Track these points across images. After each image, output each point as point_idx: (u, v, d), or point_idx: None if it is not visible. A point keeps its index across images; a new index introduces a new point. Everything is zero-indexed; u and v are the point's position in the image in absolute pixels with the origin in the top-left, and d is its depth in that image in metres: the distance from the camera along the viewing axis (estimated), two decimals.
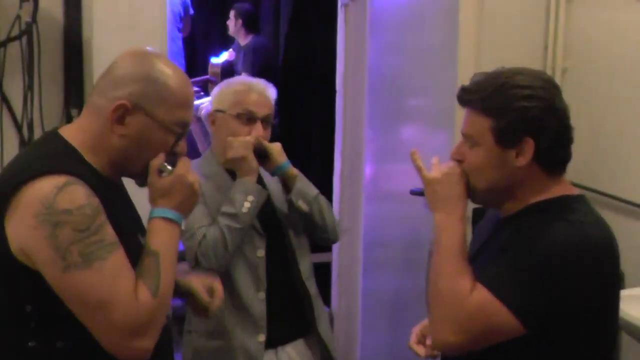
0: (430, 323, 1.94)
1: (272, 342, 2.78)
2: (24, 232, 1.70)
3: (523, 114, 1.88)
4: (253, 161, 2.70)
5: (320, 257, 4.04)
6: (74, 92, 3.17)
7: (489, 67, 2.01)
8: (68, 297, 1.71)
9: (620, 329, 2.59)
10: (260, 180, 2.79)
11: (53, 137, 1.89)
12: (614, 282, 1.96)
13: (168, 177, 1.87)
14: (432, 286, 1.92)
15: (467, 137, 1.97)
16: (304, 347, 2.89)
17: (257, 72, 5.94)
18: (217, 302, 2.19)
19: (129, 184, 1.99)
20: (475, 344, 1.85)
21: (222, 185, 2.75)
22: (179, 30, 6.83)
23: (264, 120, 2.76)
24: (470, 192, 1.98)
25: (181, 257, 2.12)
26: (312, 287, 2.87)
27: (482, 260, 1.93)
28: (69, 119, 3.13)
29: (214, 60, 7.14)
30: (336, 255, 4.57)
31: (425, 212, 2.04)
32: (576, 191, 1.99)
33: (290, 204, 2.78)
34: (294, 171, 2.79)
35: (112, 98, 1.82)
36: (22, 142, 3.10)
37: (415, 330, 2.30)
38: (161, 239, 1.83)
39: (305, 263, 2.85)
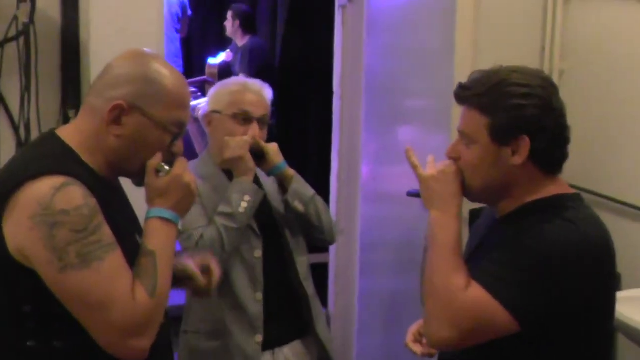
0: (424, 319, 1.95)
1: (269, 343, 2.77)
2: (22, 232, 1.70)
3: (520, 112, 1.88)
4: (250, 161, 2.70)
5: (317, 258, 4.03)
6: (71, 93, 3.17)
7: (486, 68, 2.01)
8: (66, 298, 1.72)
9: (617, 330, 2.59)
10: (257, 181, 2.78)
11: (50, 138, 1.89)
12: (612, 281, 1.97)
13: (165, 177, 1.87)
14: (427, 283, 1.92)
15: (463, 135, 1.97)
16: (302, 349, 2.88)
17: (254, 73, 5.95)
18: (216, 281, 2.17)
19: (126, 184, 1.99)
20: (469, 340, 1.86)
21: (219, 185, 2.75)
22: (177, 31, 6.84)
23: (260, 121, 2.76)
24: (466, 190, 1.98)
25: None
26: (309, 287, 2.87)
27: (478, 259, 1.93)
28: (66, 120, 3.13)
29: (211, 61, 7.15)
30: (333, 256, 4.57)
31: (422, 214, 2.04)
32: (572, 191, 1.99)
33: (287, 204, 2.78)
34: (290, 172, 2.79)
35: (108, 98, 1.83)
36: (19, 143, 3.10)
37: (412, 329, 2.30)
38: (158, 239, 1.83)
39: (303, 263, 2.85)
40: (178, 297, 2.75)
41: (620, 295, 2.04)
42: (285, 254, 2.83)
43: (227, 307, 2.72)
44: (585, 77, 3.52)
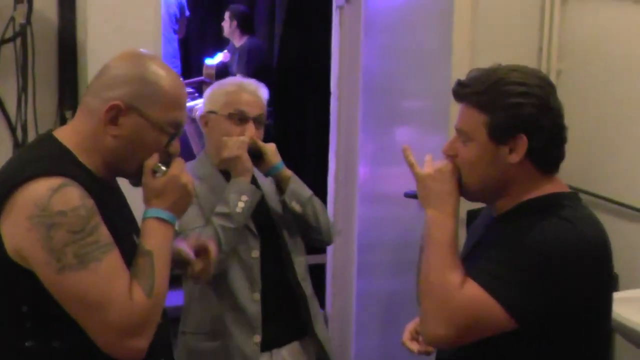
0: (421, 317, 1.95)
1: (268, 344, 2.77)
2: (19, 233, 1.71)
3: (517, 110, 1.88)
4: (247, 161, 2.70)
5: (314, 259, 4.04)
6: (68, 94, 3.16)
7: None
8: (63, 298, 1.73)
9: (615, 331, 2.59)
10: (254, 181, 2.78)
11: (47, 139, 1.90)
12: (610, 280, 1.98)
13: (162, 178, 1.88)
14: (423, 281, 1.93)
15: (461, 133, 1.97)
16: (300, 350, 2.88)
17: (251, 74, 5.94)
18: (213, 261, 2.15)
19: (124, 184, 2.00)
20: (465, 338, 1.86)
21: (216, 186, 2.75)
22: (175, 31, 6.83)
23: (256, 120, 2.76)
24: (463, 188, 1.98)
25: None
26: (307, 287, 2.87)
27: (475, 258, 1.94)
28: (63, 121, 3.12)
29: (209, 61, 7.14)
30: (330, 257, 4.57)
31: (419, 214, 2.04)
32: (568, 190, 2.00)
33: (284, 205, 2.78)
34: (288, 172, 2.79)
35: (105, 99, 1.83)
36: (16, 144, 3.09)
37: (409, 327, 2.31)
38: (155, 239, 1.84)
39: (301, 264, 2.85)
40: (176, 298, 2.75)
41: (617, 295, 2.05)
42: (283, 254, 2.83)
43: (225, 308, 2.72)
44: (582, 77, 3.52)
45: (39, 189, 1.70)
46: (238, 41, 6.91)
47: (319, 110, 5.38)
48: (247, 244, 2.73)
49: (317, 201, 2.83)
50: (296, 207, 2.76)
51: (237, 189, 2.66)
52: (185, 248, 2.09)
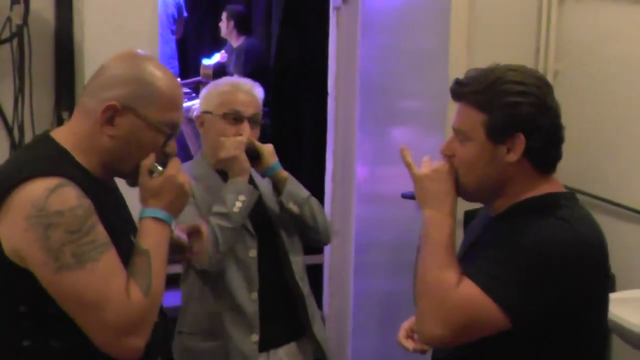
0: (417, 317, 1.95)
1: (265, 344, 2.77)
2: (17, 234, 1.72)
3: (515, 109, 1.88)
4: (245, 161, 2.70)
5: (311, 259, 4.03)
6: (65, 95, 3.16)
7: None
8: (61, 298, 1.74)
9: (612, 331, 2.59)
10: (252, 181, 2.79)
11: (44, 140, 1.90)
12: (606, 281, 1.98)
13: (158, 178, 1.89)
14: (419, 280, 1.93)
15: (458, 132, 1.97)
16: (297, 351, 2.88)
17: (248, 74, 5.92)
18: (205, 241, 2.16)
19: (122, 184, 2.00)
20: (461, 338, 1.86)
21: (213, 186, 2.75)
22: (172, 32, 6.83)
23: (252, 120, 2.75)
24: (460, 188, 1.98)
25: (173, 260, 2.10)
26: (305, 287, 2.87)
27: (472, 257, 1.93)
28: (59, 122, 3.12)
29: (206, 61, 7.14)
30: (327, 257, 4.57)
31: (417, 215, 2.03)
32: (565, 189, 2.00)
33: (281, 205, 2.78)
34: (284, 173, 2.78)
35: (102, 99, 1.84)
36: (13, 145, 3.09)
37: (404, 326, 2.30)
38: (152, 239, 1.84)
39: (298, 263, 2.85)
40: (173, 298, 2.75)
41: (614, 296, 2.05)
42: (280, 253, 2.83)
43: (222, 308, 2.72)
44: (579, 78, 3.52)
45: (36, 189, 1.71)
46: (235, 41, 6.91)
47: (316, 110, 5.37)
48: (244, 243, 2.73)
49: (314, 201, 2.83)
50: (293, 208, 2.76)
51: (235, 188, 2.66)
52: (179, 233, 2.09)
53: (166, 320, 2.04)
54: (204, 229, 2.17)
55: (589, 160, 3.42)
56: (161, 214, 1.87)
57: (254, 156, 2.74)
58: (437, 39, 3.59)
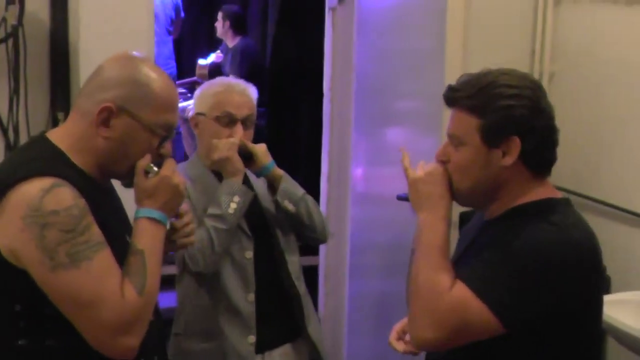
0: (409, 319, 1.95)
1: (262, 345, 2.77)
2: (12, 234, 1.73)
3: (509, 112, 1.88)
4: (238, 162, 2.70)
5: (307, 260, 4.02)
6: (60, 96, 3.16)
7: (476, 70, 2.01)
8: (56, 297, 1.75)
9: (607, 333, 2.59)
10: (247, 182, 2.78)
11: (40, 141, 1.91)
12: (600, 284, 1.98)
13: (154, 178, 1.90)
14: (412, 283, 1.92)
15: (453, 138, 1.97)
16: (292, 352, 2.88)
17: (244, 74, 5.94)
18: (190, 220, 2.10)
19: (117, 186, 2.01)
20: (453, 341, 1.86)
21: (209, 187, 2.75)
22: (169, 32, 6.82)
23: (245, 121, 2.75)
24: (455, 192, 1.98)
25: (169, 261, 2.10)
26: (301, 287, 2.87)
27: (466, 260, 1.94)
28: (55, 123, 3.12)
29: (202, 61, 7.14)
30: (323, 258, 4.57)
31: (412, 217, 2.03)
32: (560, 194, 2.00)
33: (277, 204, 2.78)
34: (279, 172, 2.79)
35: (97, 101, 1.85)
36: (8, 146, 3.09)
37: (396, 327, 2.31)
38: (146, 239, 1.86)
39: (294, 263, 2.85)
40: (169, 300, 2.75)
41: (609, 298, 2.05)
42: (276, 253, 2.83)
43: (219, 309, 2.72)
44: (575, 79, 3.52)
45: (32, 189, 1.72)
46: (231, 41, 6.91)
47: (312, 111, 5.38)
48: (240, 244, 2.74)
49: (309, 199, 2.84)
50: (289, 206, 2.76)
51: (229, 190, 2.67)
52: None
53: (159, 319, 2.04)
54: (186, 207, 2.10)
55: (584, 162, 3.42)
56: (156, 214, 1.88)
57: (247, 157, 2.74)
58: (433, 39, 3.59)
